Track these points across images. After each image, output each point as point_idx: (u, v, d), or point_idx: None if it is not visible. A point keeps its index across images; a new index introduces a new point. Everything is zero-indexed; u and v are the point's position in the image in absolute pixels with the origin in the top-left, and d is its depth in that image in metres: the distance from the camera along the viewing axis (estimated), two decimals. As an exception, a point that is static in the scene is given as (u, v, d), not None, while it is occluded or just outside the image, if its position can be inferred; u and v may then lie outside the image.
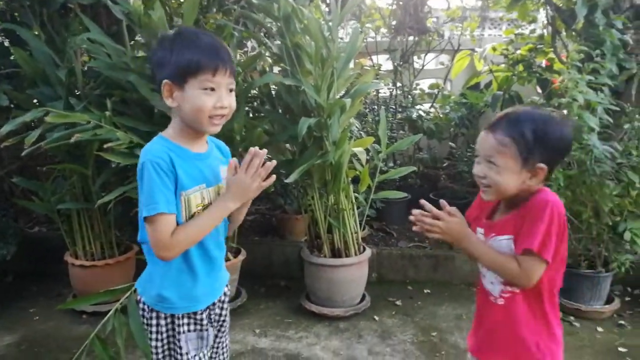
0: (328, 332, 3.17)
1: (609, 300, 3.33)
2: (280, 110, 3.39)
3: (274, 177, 1.55)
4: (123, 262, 3.41)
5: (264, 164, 1.53)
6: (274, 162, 1.56)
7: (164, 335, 1.63)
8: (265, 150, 1.53)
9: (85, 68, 3.14)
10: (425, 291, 3.71)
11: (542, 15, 4.72)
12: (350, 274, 3.32)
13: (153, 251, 1.48)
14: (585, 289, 3.25)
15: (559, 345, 1.53)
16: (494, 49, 4.72)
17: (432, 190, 4.71)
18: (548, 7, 4.04)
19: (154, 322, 1.62)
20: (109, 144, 2.59)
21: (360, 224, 3.50)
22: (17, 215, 4.32)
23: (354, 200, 3.38)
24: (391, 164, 4.58)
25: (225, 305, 1.76)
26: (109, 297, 2.61)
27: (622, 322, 3.23)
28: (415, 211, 1.48)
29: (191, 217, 1.52)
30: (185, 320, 1.62)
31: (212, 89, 1.48)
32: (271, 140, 3.27)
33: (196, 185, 1.53)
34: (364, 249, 3.42)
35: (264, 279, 3.87)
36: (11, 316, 3.39)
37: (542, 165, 1.41)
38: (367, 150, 3.47)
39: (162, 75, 1.48)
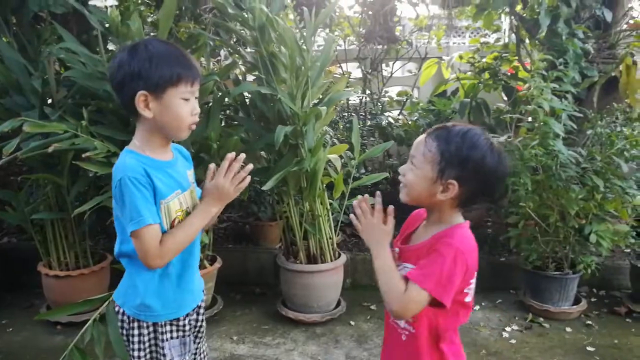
0: (305, 337, 3.21)
1: (576, 301, 3.44)
2: (254, 118, 3.42)
3: (249, 178, 1.62)
4: (98, 272, 3.38)
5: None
6: (251, 165, 1.62)
7: (147, 344, 1.65)
8: (243, 155, 1.60)
9: (61, 77, 3.12)
10: (398, 295, 3.77)
11: (506, 25, 4.87)
12: (326, 280, 3.36)
13: (143, 262, 1.50)
14: (553, 290, 3.36)
15: None
16: (461, 57, 4.84)
17: (402, 196, 4.77)
18: (512, 17, 4.17)
19: (135, 332, 1.64)
20: (87, 154, 2.58)
21: (335, 230, 3.55)
22: (-14, 226, 4.25)
23: (328, 207, 3.43)
24: (362, 171, 4.64)
25: (201, 311, 1.79)
26: (87, 307, 2.60)
27: (590, 322, 3.34)
28: (362, 198, 1.50)
29: (172, 223, 1.56)
30: (168, 328, 1.65)
31: (188, 99, 1.54)
32: (247, 148, 3.29)
33: (173, 192, 1.57)
34: (339, 255, 3.47)
35: (239, 286, 3.88)
36: (-17, 328, 3.34)
37: (453, 181, 1.37)
38: (341, 157, 3.52)
39: (137, 86, 1.49)
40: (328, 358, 2.98)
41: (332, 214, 3.54)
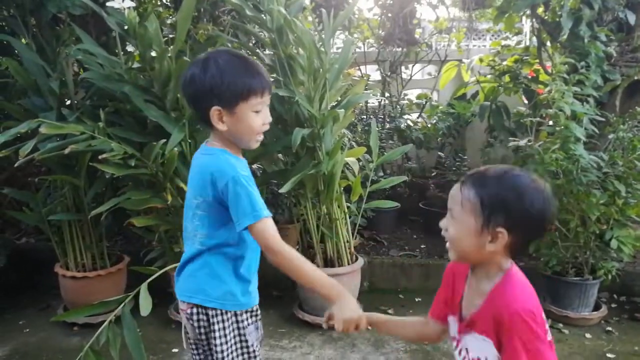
0: (321, 341, 3.18)
1: (596, 307, 3.38)
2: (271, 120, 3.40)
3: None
4: (114, 273, 3.39)
5: None
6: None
7: (231, 335, 1.71)
8: None
9: (79, 79, 3.13)
10: (416, 300, 3.74)
11: (527, 27, 4.81)
12: (343, 283, 3.24)
13: (267, 248, 1.60)
14: (573, 296, 3.30)
15: None
16: (481, 60, 4.79)
17: (421, 199, 4.75)
18: (534, 20, 4.11)
19: (218, 326, 1.69)
20: (104, 155, 2.59)
21: (352, 234, 3.52)
22: (4, 227, 4.28)
23: (346, 210, 3.41)
24: (381, 174, 4.61)
25: None
26: (103, 308, 2.60)
27: (610, 328, 3.28)
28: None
29: None
30: (245, 316, 1.73)
31: (259, 110, 1.60)
32: (264, 150, 3.28)
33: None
34: (357, 258, 3.44)
35: (256, 289, 3.86)
36: (1, 328, 3.36)
37: (501, 229, 1.27)
38: (359, 160, 3.50)
39: (211, 102, 1.55)
40: (344, 363, 2.97)
41: (350, 217, 3.51)
